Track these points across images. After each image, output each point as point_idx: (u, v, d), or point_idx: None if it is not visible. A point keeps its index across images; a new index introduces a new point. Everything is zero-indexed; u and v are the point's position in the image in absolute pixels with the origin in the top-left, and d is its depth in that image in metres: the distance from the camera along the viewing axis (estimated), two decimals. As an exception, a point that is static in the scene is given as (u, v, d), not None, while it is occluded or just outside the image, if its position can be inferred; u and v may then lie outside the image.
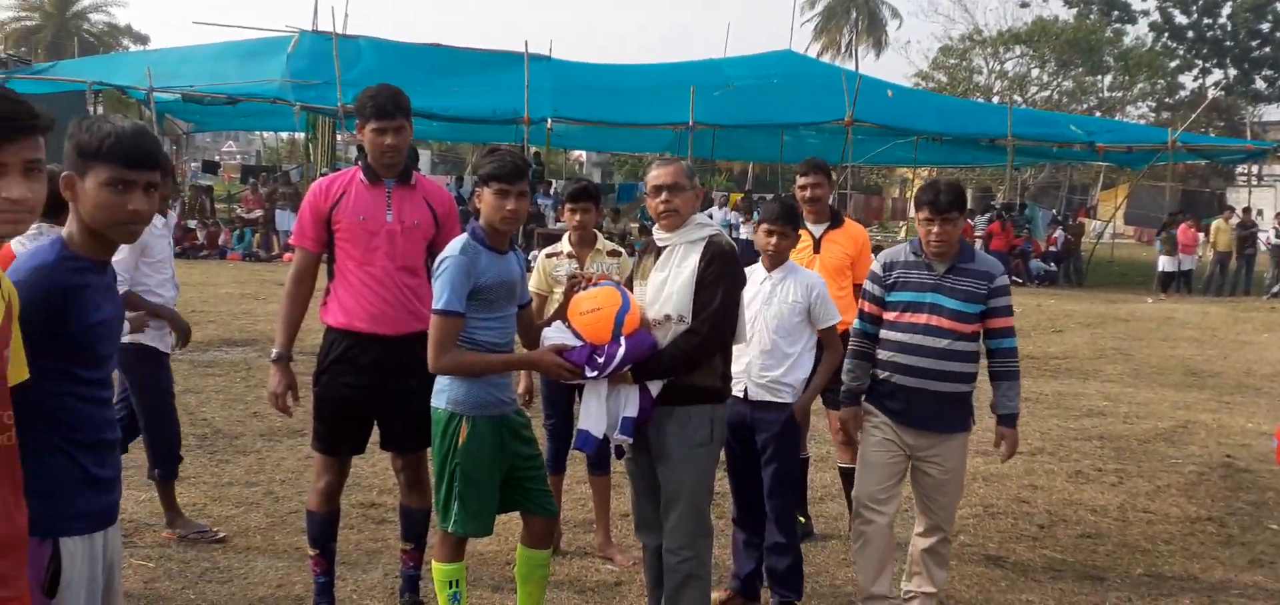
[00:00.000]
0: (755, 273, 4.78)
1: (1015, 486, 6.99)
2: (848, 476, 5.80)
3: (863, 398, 4.62)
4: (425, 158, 39.47)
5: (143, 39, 57.96)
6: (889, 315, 4.49)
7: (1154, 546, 5.96)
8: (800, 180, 5.83)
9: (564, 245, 5.45)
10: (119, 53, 46.96)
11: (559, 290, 4.97)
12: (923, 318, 4.41)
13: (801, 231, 5.74)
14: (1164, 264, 24.61)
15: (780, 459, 4.67)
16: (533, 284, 5.17)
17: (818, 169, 5.81)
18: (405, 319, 4.34)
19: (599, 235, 5.48)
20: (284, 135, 40.41)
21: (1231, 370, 12.31)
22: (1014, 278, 24.01)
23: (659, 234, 4.08)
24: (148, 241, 5.34)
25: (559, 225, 23.45)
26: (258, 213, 24.19)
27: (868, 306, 4.57)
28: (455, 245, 3.92)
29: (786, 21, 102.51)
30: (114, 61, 32.78)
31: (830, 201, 5.96)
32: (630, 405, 3.89)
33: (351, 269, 4.34)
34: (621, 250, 5.51)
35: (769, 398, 4.64)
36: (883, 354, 4.50)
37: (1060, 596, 5.18)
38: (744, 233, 24.13)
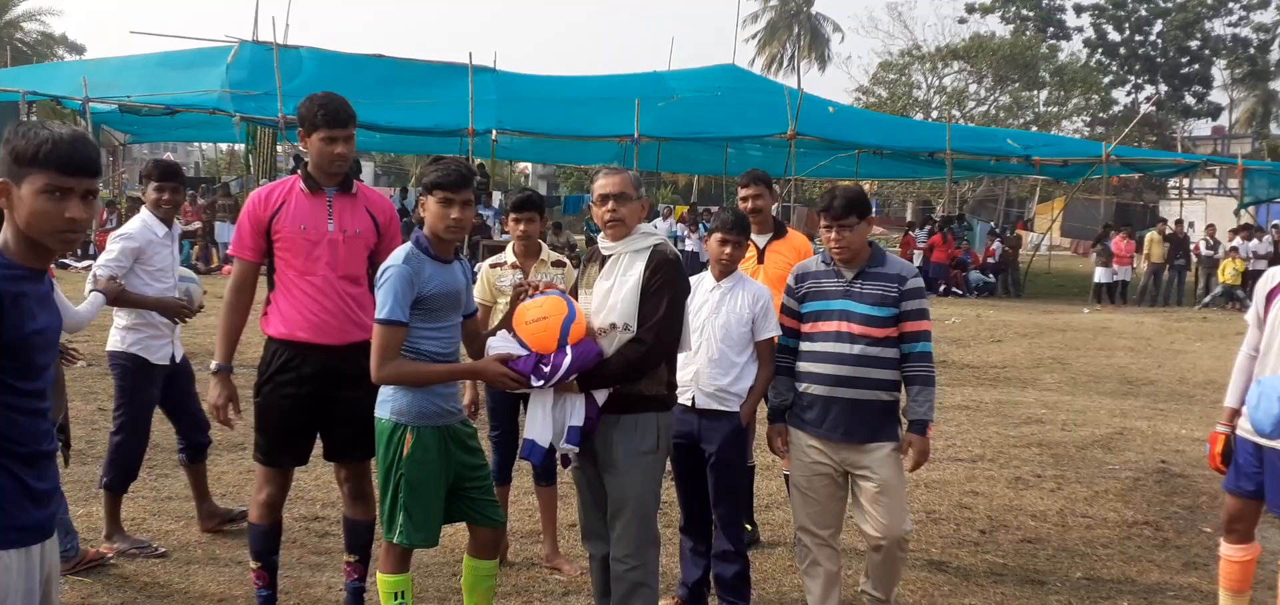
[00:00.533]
0: (703, 281, 4.82)
1: (957, 493, 7.09)
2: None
3: (787, 415, 4.53)
4: (368, 169, 39.09)
5: (78, 49, 56.75)
6: (804, 327, 4.41)
7: (1092, 550, 6.07)
8: (742, 192, 5.87)
9: (508, 256, 5.43)
10: (54, 62, 46.01)
11: (503, 301, 4.97)
12: (833, 325, 4.32)
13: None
14: (1099, 275, 25.13)
15: (727, 467, 4.69)
16: (477, 294, 5.09)
17: (759, 180, 5.86)
18: (348, 328, 4.31)
19: (543, 245, 5.48)
20: (223, 147, 39.85)
21: (1165, 378, 12.60)
22: (954, 289, 24.40)
23: (604, 243, 4.09)
24: (145, 249, 5.28)
25: (504, 236, 23.39)
26: (196, 225, 23.80)
27: (785, 320, 4.52)
28: (398, 255, 3.90)
29: (729, 36, 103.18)
30: (49, 71, 32.17)
31: (773, 212, 6.00)
32: (576, 414, 3.89)
33: (293, 279, 4.29)
34: (566, 261, 5.52)
35: (716, 406, 4.66)
36: (800, 366, 4.43)
37: (1002, 600, 5.25)
38: (690, 244, 24.24)
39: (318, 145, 4.27)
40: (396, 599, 4.07)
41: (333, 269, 4.29)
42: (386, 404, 3.95)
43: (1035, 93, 49.42)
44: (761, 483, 6.42)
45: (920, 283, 4.39)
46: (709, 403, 4.67)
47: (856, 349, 4.26)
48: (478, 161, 25.87)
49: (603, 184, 4.07)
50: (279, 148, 23.85)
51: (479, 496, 4.11)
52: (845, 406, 4.29)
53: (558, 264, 5.43)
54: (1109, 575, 5.69)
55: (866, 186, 42.23)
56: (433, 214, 3.92)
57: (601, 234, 4.13)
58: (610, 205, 4.01)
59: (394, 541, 3.98)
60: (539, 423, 3.92)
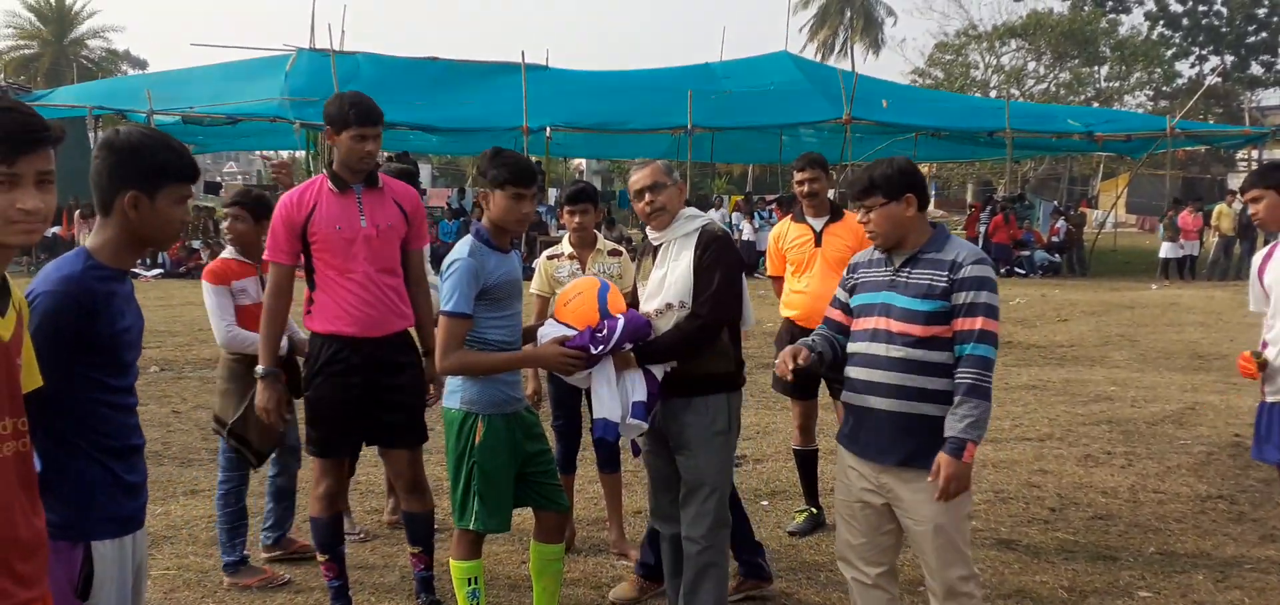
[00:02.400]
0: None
1: (1025, 471, 7.01)
2: (799, 457, 5.98)
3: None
4: (425, 171, 39.51)
5: (141, 63, 58.03)
6: (854, 324, 3.78)
7: (1165, 525, 5.97)
8: (797, 175, 5.86)
9: (565, 247, 5.45)
10: (118, 77, 47.06)
11: (561, 291, 5.01)
12: (872, 322, 3.66)
13: (803, 225, 5.80)
14: (1166, 250, 24.60)
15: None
16: (535, 287, 5.30)
17: (814, 163, 5.84)
18: (390, 319, 4.40)
19: (599, 236, 5.48)
20: (284, 154, 40.50)
21: (1237, 353, 12.26)
22: (1017, 269, 24.04)
23: (653, 233, 4.14)
24: None
25: (561, 231, 23.52)
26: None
27: (830, 312, 3.91)
28: (463, 248, 3.98)
29: (781, 23, 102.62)
30: (114, 86, 32.83)
31: (830, 196, 5.98)
32: (639, 389, 3.93)
33: (333, 278, 4.37)
34: (622, 249, 5.52)
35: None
36: (846, 371, 3.78)
37: (1073, 577, 5.19)
38: (747, 234, 24.17)
39: (348, 143, 4.35)
40: (470, 584, 4.15)
41: (371, 264, 4.36)
42: (456, 394, 4.03)
43: (1096, 68, 48.45)
44: (825, 466, 6.39)
45: (982, 270, 3.54)
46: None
47: (896, 351, 3.56)
48: (533, 159, 26.07)
49: (636, 179, 4.13)
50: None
51: (545, 482, 4.18)
52: (878, 420, 3.61)
53: (614, 253, 5.43)
54: (1183, 550, 5.60)
55: (925, 169, 41.82)
56: (501, 207, 3.99)
57: (648, 226, 4.17)
58: (647, 197, 4.07)
59: (469, 528, 4.05)
60: (606, 400, 3.95)
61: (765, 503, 6.38)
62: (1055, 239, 26.26)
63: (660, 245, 4.11)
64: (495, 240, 4.04)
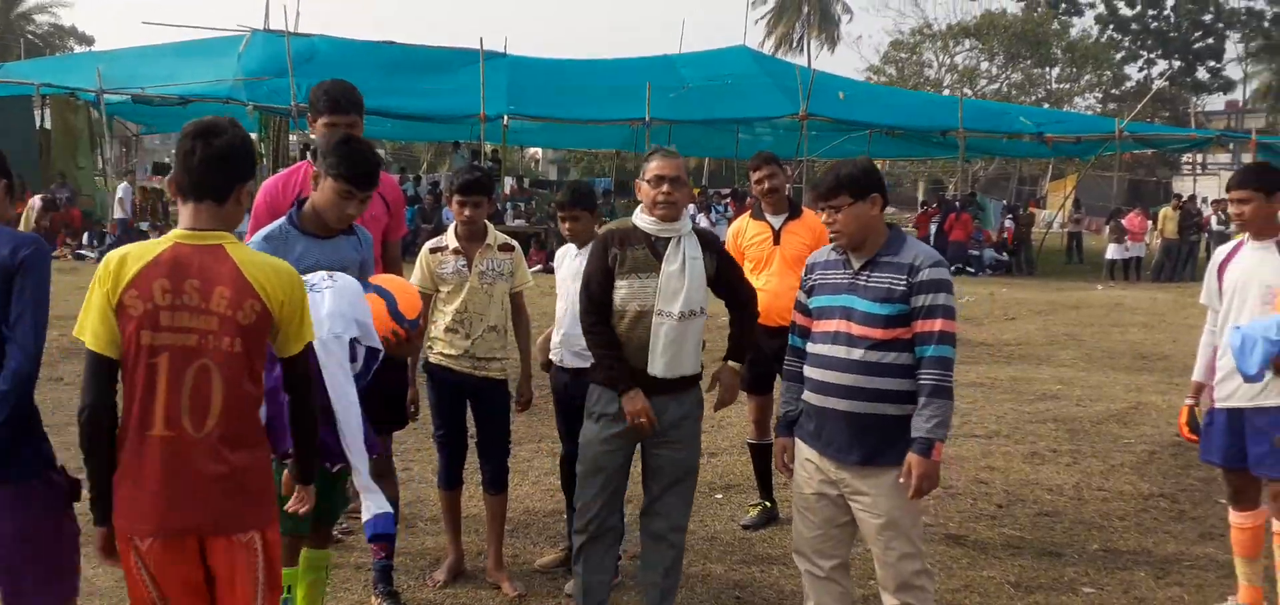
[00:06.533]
0: (568, 251, 5.03)
1: (973, 468, 7.14)
2: (753, 451, 6.07)
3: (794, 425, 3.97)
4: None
5: (89, 40, 57.01)
6: (813, 326, 3.83)
7: (1109, 523, 6.12)
8: (754, 173, 5.91)
9: (450, 240, 4.89)
10: (67, 54, 46.17)
11: (445, 289, 4.81)
12: (833, 325, 3.71)
13: (762, 222, 5.86)
14: (1112, 252, 25.06)
15: None
16: (415, 282, 4.80)
17: (769, 161, 5.90)
18: None
19: (490, 228, 4.95)
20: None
21: (1180, 353, 12.57)
22: (966, 268, 24.38)
23: (656, 225, 4.12)
24: None
25: (517, 222, 23.44)
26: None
27: (797, 317, 3.94)
28: (267, 228, 3.89)
29: (740, 17, 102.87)
30: (63, 63, 32.26)
31: (787, 192, 6.04)
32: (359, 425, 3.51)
33: None
34: (515, 244, 5.05)
35: (584, 365, 4.55)
36: (805, 370, 3.83)
37: (1020, 572, 5.31)
38: (702, 225, 24.25)
39: (322, 130, 4.35)
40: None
41: None
42: None
43: (1047, 70, 49.21)
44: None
45: (939, 273, 3.62)
46: (577, 362, 4.73)
47: (857, 354, 3.62)
48: (489, 146, 25.96)
49: (660, 166, 4.12)
50: (292, 136, 23.95)
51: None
52: (842, 421, 3.68)
53: (506, 249, 4.94)
54: (1125, 547, 5.74)
55: (878, 166, 42.16)
56: (326, 198, 3.81)
57: (646, 214, 4.14)
58: (666, 188, 4.09)
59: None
60: (365, 474, 3.47)
61: (719, 496, 6.45)
62: (1005, 239, 26.66)
63: (663, 238, 4.09)
64: (310, 226, 3.84)
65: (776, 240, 5.80)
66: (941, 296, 3.59)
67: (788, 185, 6.14)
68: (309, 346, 2.95)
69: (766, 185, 5.84)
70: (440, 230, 5.40)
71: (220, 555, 2.80)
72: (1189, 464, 7.40)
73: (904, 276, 3.61)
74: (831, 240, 3.80)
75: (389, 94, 21.39)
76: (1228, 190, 4.81)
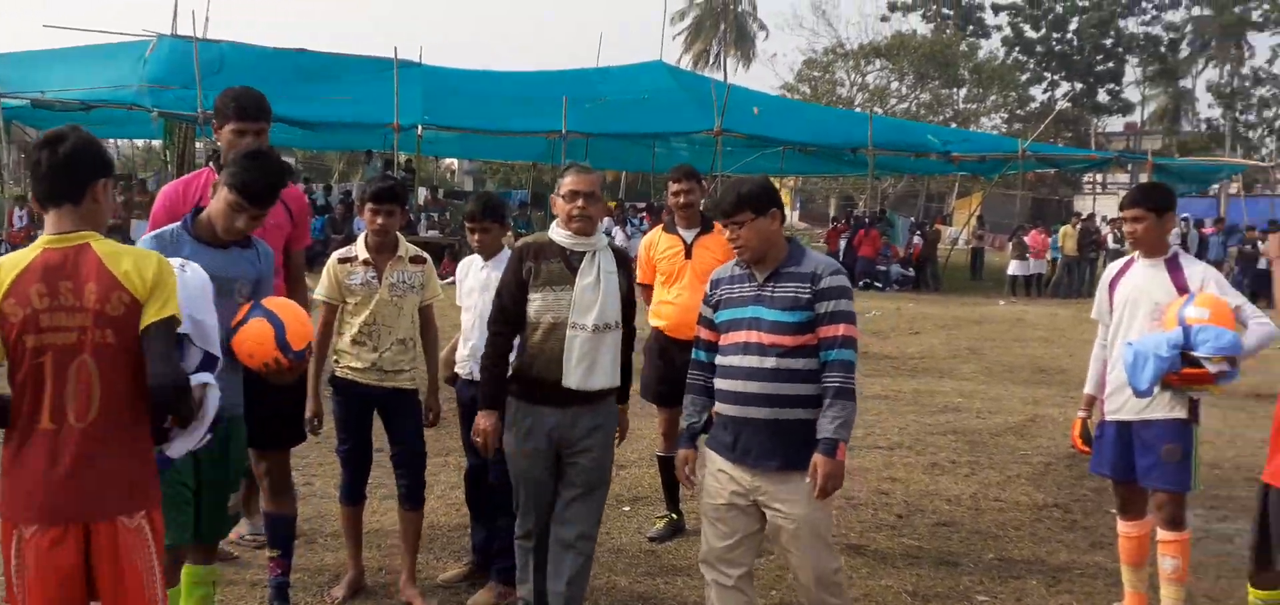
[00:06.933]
0: (474, 263, 5.04)
1: (875, 478, 7.29)
2: (661, 464, 6.10)
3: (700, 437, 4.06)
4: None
5: (-15, 41, 55.08)
6: (720, 339, 3.94)
7: (1004, 533, 6.30)
8: (672, 187, 5.96)
9: (359, 250, 4.84)
10: (-41, 55, 44.48)
11: (353, 300, 4.76)
12: (742, 335, 3.83)
13: (674, 236, 5.91)
14: (1014, 268, 25.76)
15: None
16: (321, 292, 4.81)
17: (689, 175, 5.95)
18: None
19: (401, 239, 4.91)
20: (140, 143, 38.95)
21: (1076, 367, 12.95)
22: (875, 283, 24.84)
23: (570, 239, 4.21)
24: None
25: (430, 233, 23.23)
26: (112, 221, 23.23)
27: (702, 332, 4.03)
28: (159, 232, 3.85)
29: (657, 33, 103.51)
30: (-46, 65, 31.04)
31: (701, 207, 6.10)
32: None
33: None
34: (426, 256, 5.00)
35: None
36: (716, 382, 3.93)
37: (917, 582, 5.44)
38: (619, 240, 24.32)
39: (228, 138, 4.30)
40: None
41: None
42: None
43: (955, 90, 50.36)
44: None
45: (839, 280, 3.82)
46: None
47: (769, 362, 3.75)
48: (403, 157, 25.69)
49: (575, 181, 4.23)
50: (198, 144, 23.39)
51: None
52: (758, 428, 3.79)
53: (417, 261, 4.88)
54: (1020, 556, 5.91)
55: (790, 183, 42.76)
56: (219, 209, 3.74)
57: (561, 228, 4.24)
58: (581, 203, 4.18)
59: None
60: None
61: (627, 508, 6.48)
62: (911, 255, 27.24)
63: (578, 252, 4.19)
64: (204, 233, 3.75)
65: (688, 254, 5.84)
66: (843, 302, 3.78)
67: (703, 200, 6.19)
68: (168, 321, 2.90)
69: (683, 199, 5.88)
70: (351, 240, 5.31)
71: (106, 543, 2.87)
72: (1082, 475, 7.64)
73: (808, 285, 3.78)
74: (737, 255, 3.93)
75: (299, 101, 21.03)
76: (1121, 209, 4.98)
